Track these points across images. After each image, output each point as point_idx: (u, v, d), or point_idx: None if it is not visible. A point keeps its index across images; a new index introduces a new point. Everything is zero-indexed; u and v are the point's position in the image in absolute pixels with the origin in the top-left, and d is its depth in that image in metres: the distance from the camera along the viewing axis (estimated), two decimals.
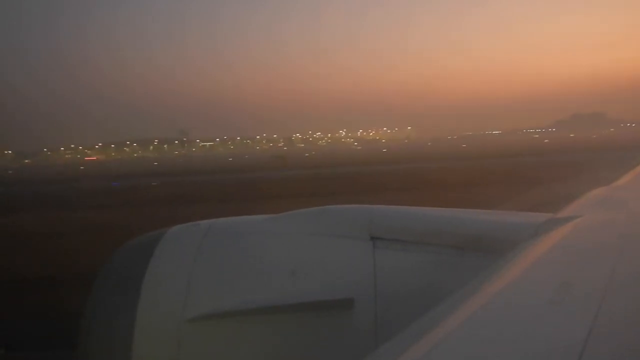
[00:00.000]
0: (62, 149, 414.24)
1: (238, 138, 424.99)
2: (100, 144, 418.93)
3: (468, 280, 1.61)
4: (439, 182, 34.83)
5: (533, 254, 1.77)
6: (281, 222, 2.39)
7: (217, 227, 2.37)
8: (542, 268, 1.59)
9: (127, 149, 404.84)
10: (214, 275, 2.17)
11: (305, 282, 2.14)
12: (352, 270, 2.17)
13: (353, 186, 36.79)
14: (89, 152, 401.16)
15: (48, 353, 8.02)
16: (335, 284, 2.13)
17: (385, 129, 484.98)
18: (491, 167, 49.15)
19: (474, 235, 2.19)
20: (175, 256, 2.22)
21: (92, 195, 42.47)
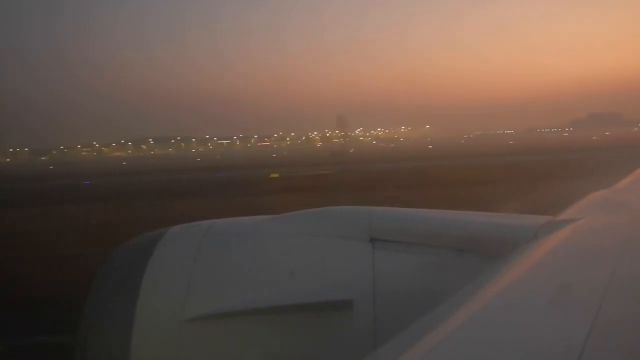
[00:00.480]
0: (78, 146, 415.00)
1: (255, 136, 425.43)
2: (119, 142, 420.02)
3: (467, 282, 1.64)
4: (545, 173, 35.03)
5: (533, 256, 1.77)
6: (281, 222, 2.40)
7: (217, 227, 2.37)
8: (542, 270, 1.61)
9: (144, 147, 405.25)
10: (214, 275, 2.18)
11: (305, 283, 2.15)
12: (351, 271, 2.17)
13: (483, 177, 36.75)
14: (105, 149, 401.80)
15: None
16: (334, 285, 2.14)
17: (402, 127, 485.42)
18: (573, 160, 49.23)
19: (474, 237, 2.20)
20: (174, 256, 2.22)
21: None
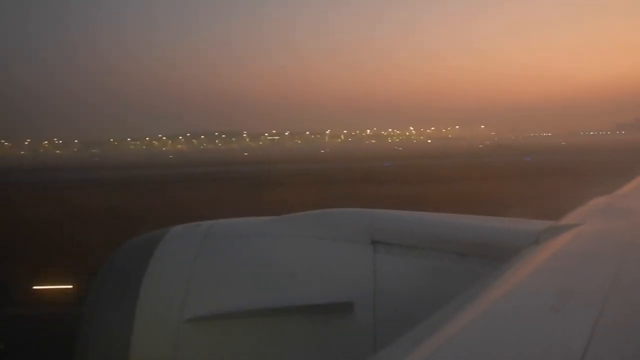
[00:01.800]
0: (128, 139, 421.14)
1: (307, 132, 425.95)
2: (170, 136, 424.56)
3: (469, 286, 1.63)
4: None
5: (534, 261, 1.75)
6: (282, 224, 2.37)
7: (217, 228, 2.35)
8: (543, 275, 1.59)
9: (195, 141, 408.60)
10: (214, 276, 2.16)
11: (305, 284, 2.12)
12: (352, 273, 2.14)
13: None
14: (156, 142, 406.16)
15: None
16: (335, 288, 2.11)
17: (457, 127, 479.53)
18: None
19: (475, 242, 2.16)
20: (175, 256, 2.21)
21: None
